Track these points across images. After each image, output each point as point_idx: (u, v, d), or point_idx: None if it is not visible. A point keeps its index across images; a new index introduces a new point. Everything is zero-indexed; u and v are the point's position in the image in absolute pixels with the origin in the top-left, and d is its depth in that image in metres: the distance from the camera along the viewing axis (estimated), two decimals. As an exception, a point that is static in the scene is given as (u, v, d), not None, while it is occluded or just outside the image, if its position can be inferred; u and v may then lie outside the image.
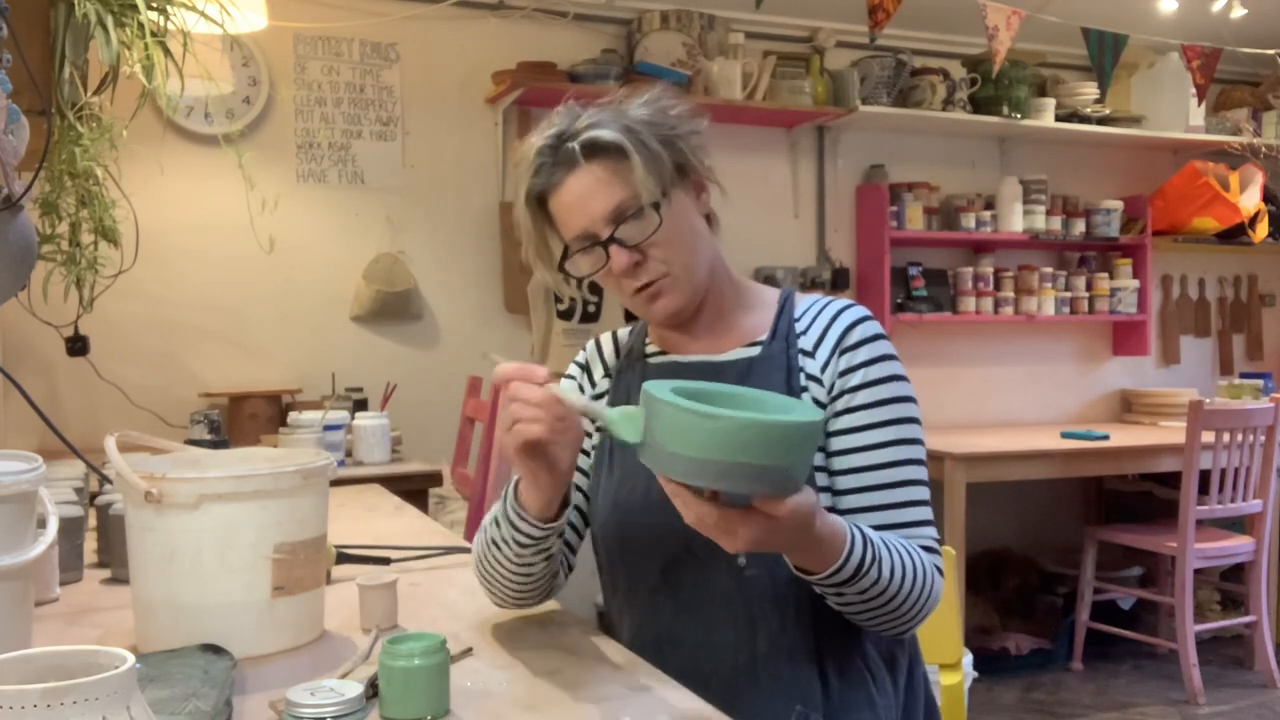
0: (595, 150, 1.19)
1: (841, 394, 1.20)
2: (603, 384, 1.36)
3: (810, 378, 1.22)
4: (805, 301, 1.29)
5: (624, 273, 1.20)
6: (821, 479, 1.20)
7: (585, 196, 1.20)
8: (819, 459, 1.20)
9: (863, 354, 1.21)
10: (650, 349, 1.34)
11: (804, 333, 1.25)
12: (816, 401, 1.21)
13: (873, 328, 1.24)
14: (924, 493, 1.20)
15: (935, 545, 1.19)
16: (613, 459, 1.28)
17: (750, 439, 0.88)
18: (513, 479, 1.19)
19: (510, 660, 1.12)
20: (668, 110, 1.23)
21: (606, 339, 1.40)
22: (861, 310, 1.25)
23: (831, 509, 1.19)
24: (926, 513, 1.20)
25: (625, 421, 0.96)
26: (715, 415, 0.88)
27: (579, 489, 1.34)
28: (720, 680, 1.16)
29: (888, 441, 1.19)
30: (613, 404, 1.32)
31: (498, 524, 1.20)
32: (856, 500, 1.18)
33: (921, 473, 1.21)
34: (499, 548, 1.21)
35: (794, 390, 1.21)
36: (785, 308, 1.28)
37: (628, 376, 1.32)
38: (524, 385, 1.07)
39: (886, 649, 1.24)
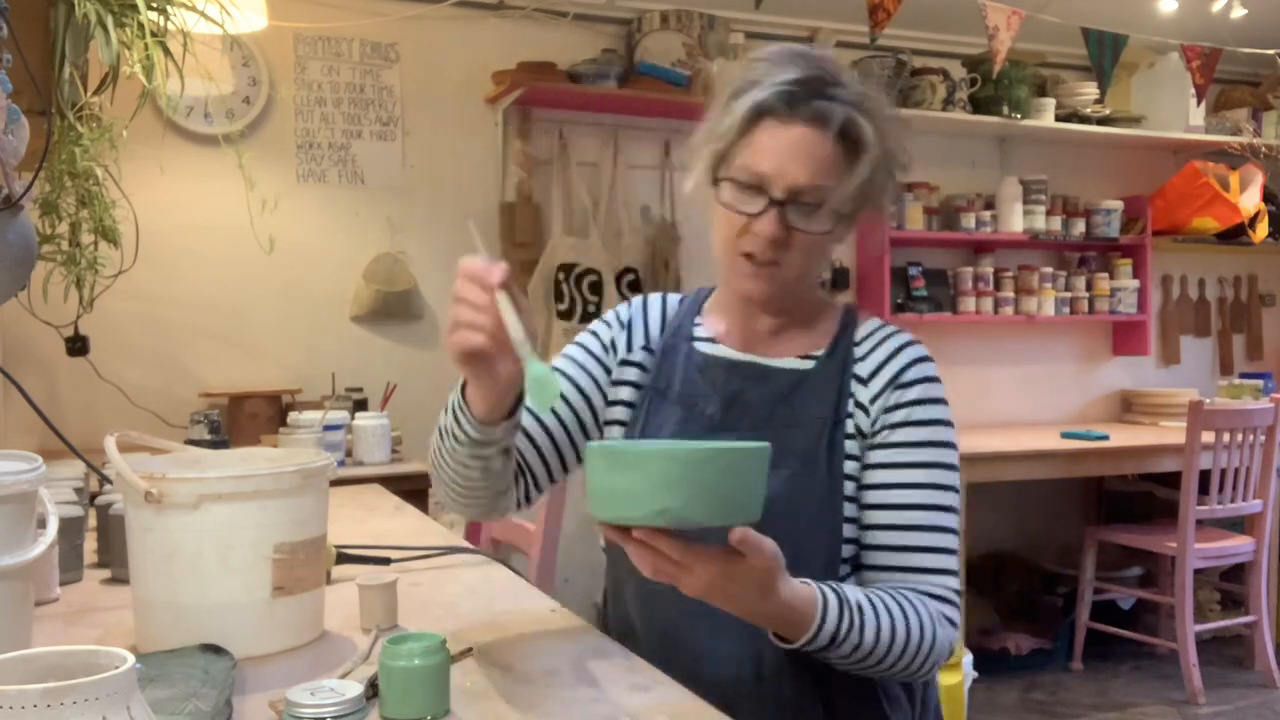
0: (843, 130, 1.13)
1: (883, 428, 1.18)
2: (640, 355, 1.30)
3: (858, 405, 1.20)
4: (868, 325, 1.26)
5: (757, 236, 1.14)
6: (850, 510, 1.18)
7: (798, 154, 1.12)
8: (849, 488, 1.18)
9: (913, 393, 1.19)
10: (700, 332, 1.29)
11: (862, 358, 1.22)
12: (859, 429, 1.19)
13: (930, 369, 1.22)
14: (950, 541, 1.16)
15: (950, 595, 1.15)
16: None
17: (710, 466, 0.89)
18: (457, 395, 1.13)
19: (510, 660, 1.12)
20: (904, 148, 1.19)
21: (655, 305, 1.34)
22: (922, 349, 1.23)
23: (855, 540, 1.18)
24: (949, 561, 1.16)
25: (538, 383, 0.95)
26: (649, 449, 0.89)
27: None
28: (721, 690, 1.14)
29: (921, 483, 1.16)
30: (654, 383, 1.27)
31: (447, 411, 1.15)
32: (880, 537, 1.16)
33: (951, 521, 1.17)
34: (443, 437, 1.16)
35: (840, 413, 1.19)
36: (846, 328, 1.25)
37: (673, 356, 1.27)
38: (472, 287, 0.99)
39: None
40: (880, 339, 1.23)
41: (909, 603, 1.11)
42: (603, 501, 0.93)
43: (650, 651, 1.18)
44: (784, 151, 1.13)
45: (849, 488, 1.18)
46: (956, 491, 1.19)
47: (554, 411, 1.27)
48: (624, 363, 1.30)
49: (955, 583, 1.17)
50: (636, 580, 1.24)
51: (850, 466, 1.18)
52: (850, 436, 1.19)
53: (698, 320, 1.31)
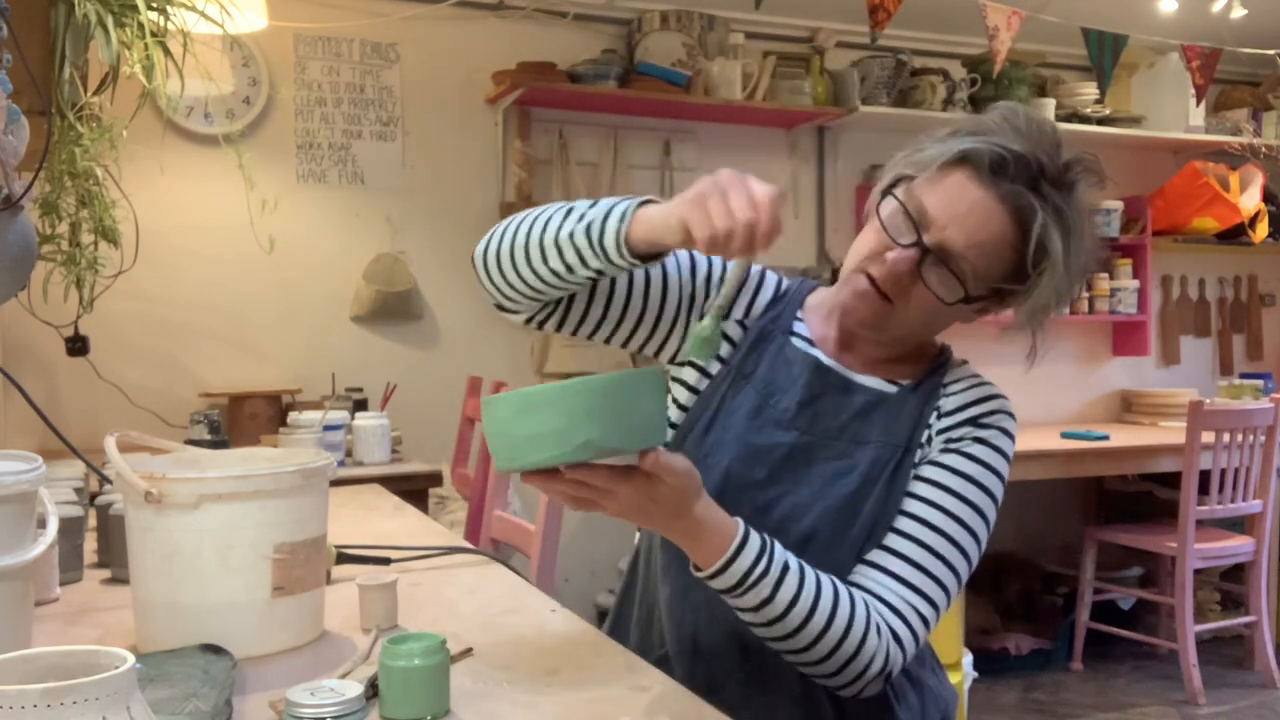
0: (1032, 233, 1.08)
1: (940, 450, 1.17)
2: (732, 328, 1.25)
3: (930, 437, 1.18)
4: (964, 370, 1.24)
5: (887, 265, 1.10)
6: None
7: (970, 218, 1.08)
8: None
9: (984, 434, 1.17)
10: (799, 329, 1.26)
11: (948, 395, 1.20)
12: (925, 459, 1.18)
13: (1010, 425, 1.19)
14: (944, 574, 1.12)
15: (910, 614, 1.09)
16: (709, 431, 1.21)
17: (619, 392, 0.94)
18: (636, 202, 1.06)
19: (510, 660, 1.12)
20: (1080, 284, 1.15)
21: (770, 284, 1.29)
22: (1010, 407, 1.21)
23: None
24: (930, 588, 1.11)
25: (704, 333, 1.03)
26: (561, 385, 0.94)
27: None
28: (729, 689, 1.14)
29: (943, 507, 1.13)
30: (741, 365, 1.23)
31: (594, 206, 1.09)
32: (885, 537, 1.14)
33: (956, 560, 1.12)
34: (566, 215, 1.11)
35: (913, 442, 1.17)
36: (939, 368, 1.23)
37: (766, 344, 1.24)
38: (759, 223, 0.95)
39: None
40: (973, 384, 1.21)
41: (849, 594, 1.07)
42: (520, 449, 0.96)
43: (685, 613, 1.18)
44: (961, 208, 1.09)
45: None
46: (978, 542, 1.14)
47: (643, 293, 1.22)
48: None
49: (927, 611, 1.11)
50: (671, 552, 1.21)
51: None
52: (916, 465, 1.17)
53: (799, 315, 1.28)
